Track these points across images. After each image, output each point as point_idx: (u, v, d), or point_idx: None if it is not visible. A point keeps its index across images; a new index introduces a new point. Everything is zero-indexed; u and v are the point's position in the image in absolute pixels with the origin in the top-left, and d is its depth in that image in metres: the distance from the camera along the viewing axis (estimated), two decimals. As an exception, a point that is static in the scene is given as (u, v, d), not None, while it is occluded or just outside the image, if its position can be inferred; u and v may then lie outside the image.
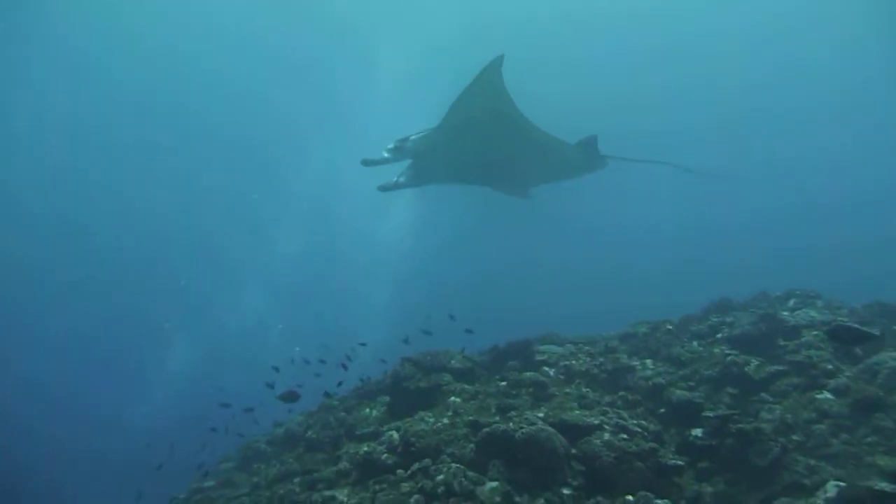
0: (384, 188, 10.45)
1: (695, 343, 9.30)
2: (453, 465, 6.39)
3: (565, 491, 5.92)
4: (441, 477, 6.20)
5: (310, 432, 9.37)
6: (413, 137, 10.14)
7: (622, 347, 9.70)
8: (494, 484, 6.05)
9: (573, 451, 6.35)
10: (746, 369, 7.90)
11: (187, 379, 29.87)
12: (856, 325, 6.76)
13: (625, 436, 6.49)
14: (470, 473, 6.23)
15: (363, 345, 10.96)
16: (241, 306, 33.96)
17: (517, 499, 5.90)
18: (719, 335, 9.22)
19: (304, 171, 38.08)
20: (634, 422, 7.00)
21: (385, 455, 7.28)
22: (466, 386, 8.57)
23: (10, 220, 39.28)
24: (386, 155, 10.08)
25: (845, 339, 6.72)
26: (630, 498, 5.68)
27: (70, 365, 34.91)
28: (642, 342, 9.76)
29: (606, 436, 6.43)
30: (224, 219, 43.03)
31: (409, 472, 6.70)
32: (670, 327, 9.87)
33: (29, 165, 39.08)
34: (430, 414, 7.81)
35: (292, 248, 37.08)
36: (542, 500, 5.83)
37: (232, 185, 43.06)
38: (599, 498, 5.78)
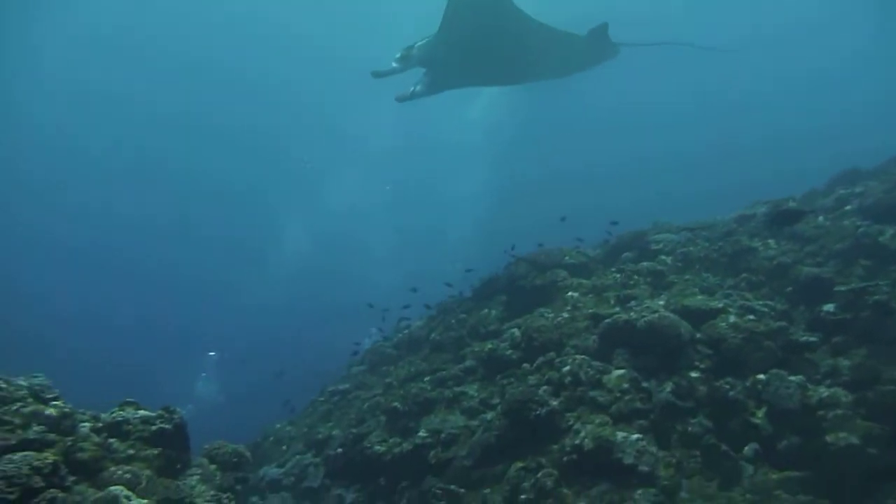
0: (400, 98, 10.30)
1: (821, 218, 8.84)
2: (577, 356, 6.57)
3: (693, 374, 5.97)
4: (567, 368, 6.41)
5: (433, 335, 9.81)
6: (418, 44, 9.94)
7: (741, 229, 9.36)
8: (621, 371, 6.20)
9: (698, 335, 6.34)
10: (881, 239, 7.45)
11: (301, 260, 32.44)
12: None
13: (751, 316, 6.40)
14: (595, 363, 6.40)
15: (469, 271, 11.28)
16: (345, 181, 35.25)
17: (645, 384, 6.03)
18: (848, 207, 8.70)
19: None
20: (760, 302, 6.88)
21: (509, 351, 7.57)
22: (583, 280, 8.64)
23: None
24: (395, 65, 9.94)
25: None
26: (762, 377, 5.66)
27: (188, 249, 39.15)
28: (762, 222, 9.36)
29: (732, 318, 6.36)
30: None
31: (534, 365, 6.97)
32: (793, 204, 9.39)
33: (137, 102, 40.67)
34: (548, 310, 7.99)
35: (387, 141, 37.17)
36: (670, 384, 5.92)
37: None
38: (729, 378, 5.79)
